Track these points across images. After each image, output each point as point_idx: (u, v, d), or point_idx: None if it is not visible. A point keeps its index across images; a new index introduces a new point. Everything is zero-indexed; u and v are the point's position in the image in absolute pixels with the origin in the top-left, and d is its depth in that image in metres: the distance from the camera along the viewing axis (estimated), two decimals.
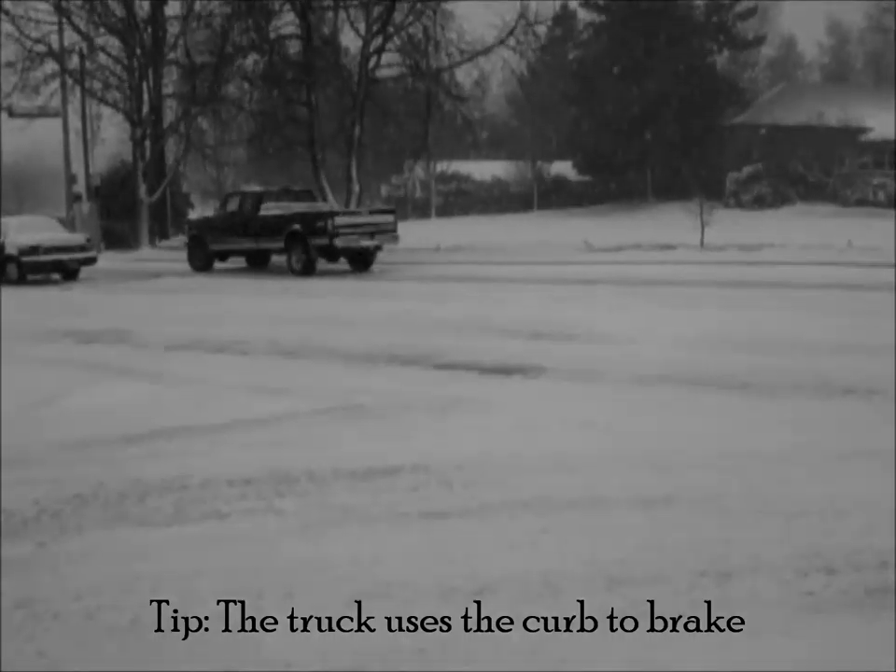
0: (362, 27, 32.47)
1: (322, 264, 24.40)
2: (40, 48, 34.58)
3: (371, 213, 26.50)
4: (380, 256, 26.71)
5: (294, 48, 34.33)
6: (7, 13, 33.24)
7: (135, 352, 11.72)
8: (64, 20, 34.99)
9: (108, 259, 28.61)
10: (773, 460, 6.06)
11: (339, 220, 23.59)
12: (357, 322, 13.74)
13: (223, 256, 26.78)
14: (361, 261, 24.58)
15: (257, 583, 4.40)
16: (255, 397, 8.60)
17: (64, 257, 25.00)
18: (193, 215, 39.43)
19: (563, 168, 65.47)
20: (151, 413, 8.06)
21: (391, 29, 32.46)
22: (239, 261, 27.37)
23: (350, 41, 34.53)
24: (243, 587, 4.36)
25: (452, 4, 32.50)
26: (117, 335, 13.16)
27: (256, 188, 32.22)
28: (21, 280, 24.67)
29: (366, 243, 23.88)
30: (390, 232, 24.56)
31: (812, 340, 10.63)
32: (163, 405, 8.40)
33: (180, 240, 32.46)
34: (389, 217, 25.32)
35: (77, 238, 26.97)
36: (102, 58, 36.04)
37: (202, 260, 26.60)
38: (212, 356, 11.24)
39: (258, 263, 26.78)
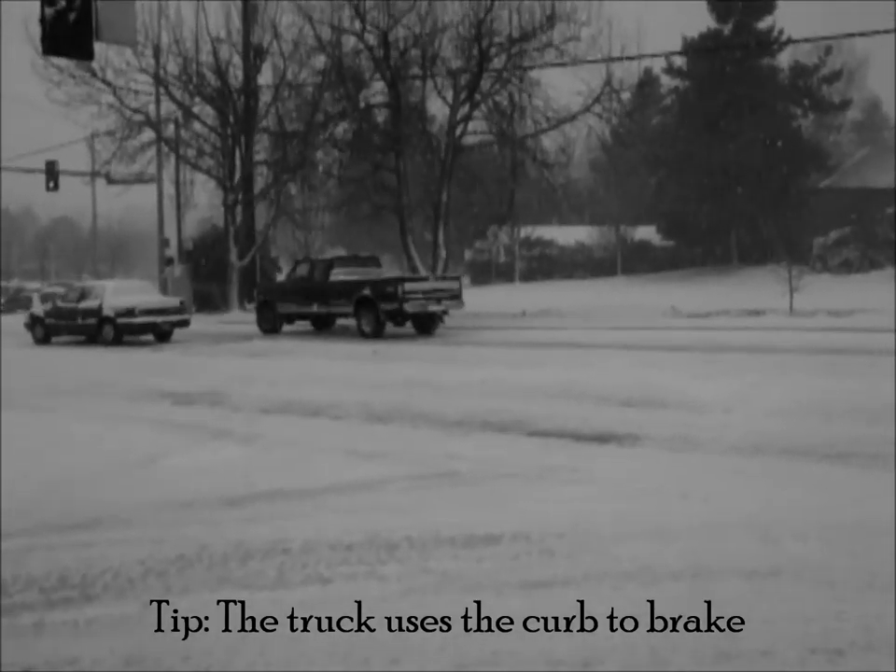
0: (449, 95, 32.99)
1: (388, 328, 25.50)
2: (138, 117, 35.77)
3: (438, 279, 27.48)
4: (463, 321, 27.27)
5: (382, 116, 34.99)
6: (108, 84, 34.46)
7: (231, 414, 11.90)
8: (162, 90, 36.19)
9: (199, 322, 29.21)
10: (879, 532, 5.93)
11: (408, 286, 24.71)
12: (446, 388, 13.77)
13: (291, 319, 28.17)
14: (427, 325, 25.81)
15: (362, 649, 4.44)
16: (351, 461, 8.68)
17: (159, 319, 25.69)
18: (281, 278, 40.18)
19: (647, 233, 65.45)
20: (250, 475, 8.18)
21: (478, 97, 32.91)
22: (304, 324, 28.63)
23: (437, 109, 35.10)
24: (348, 651, 4.41)
25: (538, 72, 32.88)
26: (212, 397, 13.41)
27: (328, 256, 33.00)
28: (116, 341, 25.37)
29: (433, 308, 25.10)
30: (455, 298, 25.77)
31: None
32: (261, 468, 8.52)
33: None
34: (455, 283, 26.54)
35: (172, 301, 27.70)
36: (196, 126, 37.12)
37: (270, 323, 28.11)
38: (306, 419, 11.37)
39: (323, 326, 28.21)
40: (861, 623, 4.51)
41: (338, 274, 26.53)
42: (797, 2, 58.15)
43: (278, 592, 5.27)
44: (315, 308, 27.07)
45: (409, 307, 24.41)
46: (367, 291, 24.99)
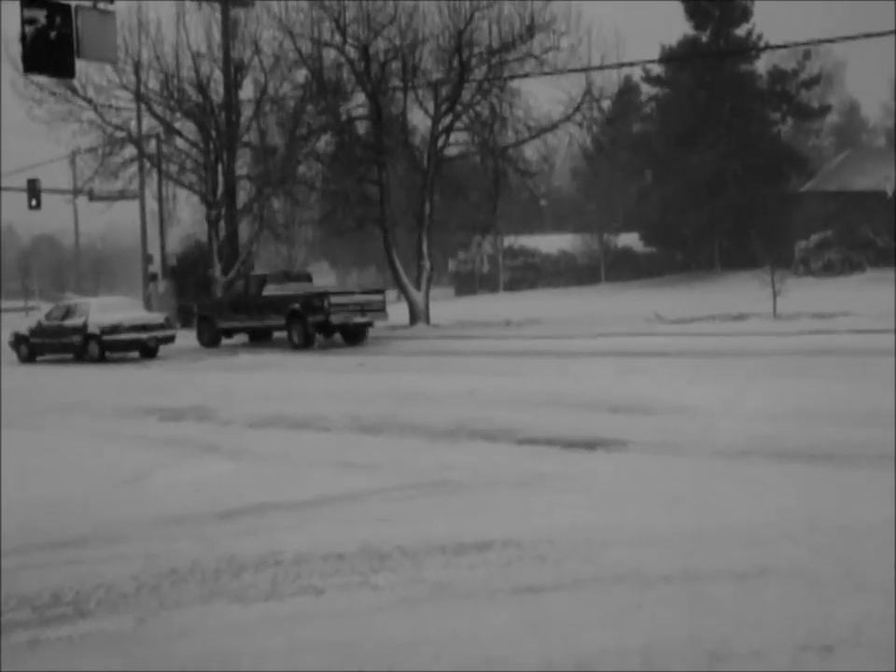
0: (431, 107, 33.07)
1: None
2: (120, 134, 35.62)
3: (363, 292, 29.05)
4: (448, 331, 27.62)
5: (364, 128, 35.02)
6: (90, 101, 34.36)
7: (220, 429, 11.91)
8: (143, 106, 36.14)
9: (184, 338, 29.22)
10: (865, 532, 6.00)
11: (334, 300, 26.36)
12: (434, 398, 13.81)
13: (229, 333, 29.53)
14: (354, 336, 27.36)
15: (357, 659, 4.46)
16: (341, 472, 8.70)
17: (144, 335, 25.66)
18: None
19: (629, 240, 65.70)
20: (240, 489, 8.20)
21: (459, 108, 32.99)
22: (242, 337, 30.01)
23: (419, 120, 35.13)
24: (343, 662, 4.43)
25: (518, 81, 32.95)
26: (199, 412, 13.40)
27: (260, 272, 33.39)
28: (101, 358, 25.32)
29: (358, 319, 26.72)
30: (380, 310, 27.34)
31: (893, 410, 10.45)
32: (252, 481, 8.53)
33: None
34: (379, 296, 28.05)
35: (157, 317, 27.69)
36: (178, 142, 37.01)
37: (210, 337, 29.33)
38: (294, 432, 11.39)
39: (260, 338, 29.49)
40: (850, 621, 4.56)
41: (271, 290, 28.02)
42: (774, 7, 58.55)
43: (271, 603, 5.29)
44: (249, 322, 28.62)
45: (335, 319, 26.10)
46: (296, 305, 26.59)
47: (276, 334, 28.95)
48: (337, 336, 28.03)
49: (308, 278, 30.80)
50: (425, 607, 5.10)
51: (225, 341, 29.52)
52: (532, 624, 4.76)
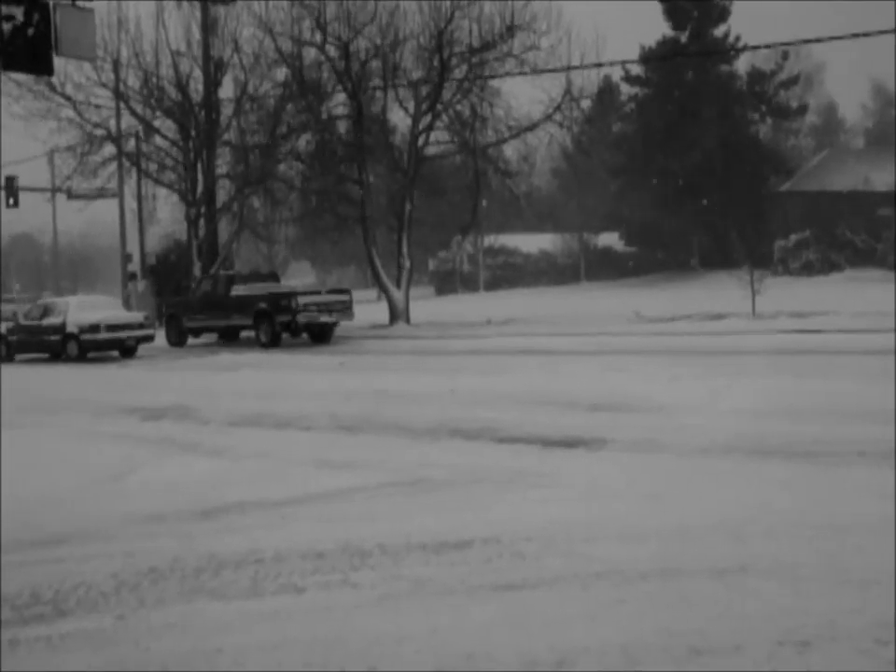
0: (411, 106, 33.05)
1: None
2: (99, 131, 35.45)
3: (329, 292, 29.36)
4: (429, 331, 27.67)
5: (345, 127, 34.97)
6: (68, 99, 34.19)
7: (200, 428, 11.88)
8: (122, 104, 35.96)
9: (163, 337, 29.12)
10: (845, 529, 6.04)
11: (301, 299, 26.62)
12: (414, 396, 13.77)
13: (196, 332, 29.67)
14: (321, 335, 27.56)
15: (339, 656, 4.47)
16: (322, 471, 8.70)
17: (123, 335, 25.55)
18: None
19: (610, 239, 65.83)
20: (220, 487, 8.18)
21: (439, 107, 32.96)
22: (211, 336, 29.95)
23: (399, 120, 35.11)
24: (324, 660, 4.43)
25: (499, 81, 32.97)
26: (180, 411, 13.37)
27: (229, 272, 33.33)
28: (81, 357, 25.19)
29: (325, 319, 26.94)
30: (345, 310, 27.52)
31: (872, 408, 10.54)
32: (232, 480, 8.52)
33: None
34: (345, 296, 28.23)
35: (136, 316, 27.61)
36: (158, 140, 36.86)
37: (177, 336, 29.51)
38: (276, 431, 11.39)
39: (228, 338, 29.58)
40: (827, 618, 4.59)
41: (238, 290, 28.15)
42: (753, 7, 58.83)
43: (252, 602, 5.28)
44: (217, 321, 28.74)
45: (302, 318, 26.26)
46: (264, 305, 26.77)
47: (243, 333, 29.02)
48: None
49: (275, 278, 30.94)
50: (405, 604, 5.11)
51: (192, 340, 29.57)
52: (513, 621, 4.77)
